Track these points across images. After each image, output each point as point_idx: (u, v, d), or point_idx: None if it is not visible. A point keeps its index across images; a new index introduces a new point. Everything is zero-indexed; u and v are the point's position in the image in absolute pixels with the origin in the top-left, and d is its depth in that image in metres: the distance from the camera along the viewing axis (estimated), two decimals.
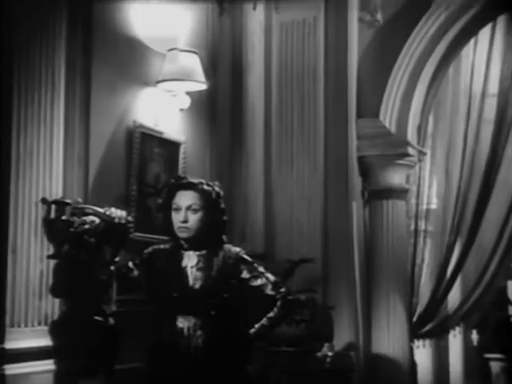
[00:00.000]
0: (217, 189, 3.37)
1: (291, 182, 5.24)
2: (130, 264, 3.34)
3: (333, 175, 5.26)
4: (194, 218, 3.26)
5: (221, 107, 5.03)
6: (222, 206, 3.37)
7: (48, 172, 3.53)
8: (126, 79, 4.29)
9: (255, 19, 5.25)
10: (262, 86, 5.26)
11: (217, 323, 3.24)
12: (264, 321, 3.35)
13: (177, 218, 3.28)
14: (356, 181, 5.52)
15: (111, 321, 3.10)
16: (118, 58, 4.24)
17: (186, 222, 3.25)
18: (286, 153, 5.28)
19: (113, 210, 3.14)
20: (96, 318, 3.05)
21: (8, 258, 3.30)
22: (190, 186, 3.31)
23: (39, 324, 3.44)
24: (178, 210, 3.28)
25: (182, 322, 3.22)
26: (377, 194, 5.70)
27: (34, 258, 3.42)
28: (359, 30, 5.50)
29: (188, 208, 3.26)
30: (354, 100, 5.43)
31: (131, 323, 3.53)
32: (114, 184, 4.18)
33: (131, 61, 4.35)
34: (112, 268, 3.12)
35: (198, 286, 3.25)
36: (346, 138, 5.36)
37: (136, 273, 3.32)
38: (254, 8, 4.74)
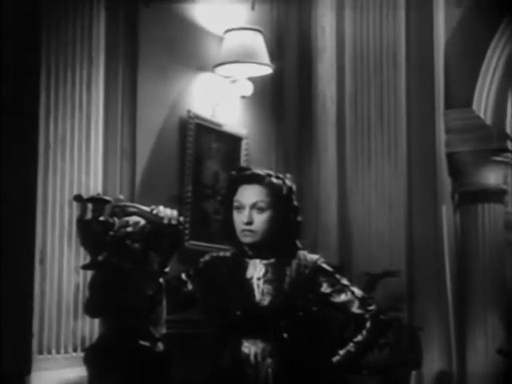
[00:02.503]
0: (288, 182, 3.00)
1: (369, 183, 4.98)
2: (183, 276, 3.03)
3: (418, 176, 5.01)
4: (260, 219, 2.92)
5: (287, 97, 4.72)
6: (295, 203, 3.00)
7: (84, 165, 3.12)
8: (178, 63, 3.95)
9: None
10: (333, 74, 5.00)
11: (291, 349, 2.91)
12: (350, 346, 2.95)
13: (239, 219, 2.94)
14: (445, 182, 5.34)
15: (160, 346, 2.77)
16: (168, 38, 3.90)
17: (250, 223, 2.92)
18: (363, 150, 5.00)
19: (161, 208, 2.77)
20: (142, 342, 2.73)
21: (35, 269, 2.95)
22: (256, 179, 2.95)
23: (74, 350, 3.08)
24: (240, 208, 2.94)
25: (248, 348, 2.90)
26: (469, 197, 5.51)
27: (66, 269, 3.06)
28: (446, 9, 5.26)
29: (253, 206, 2.92)
30: (441, 88, 5.20)
31: (185, 349, 3.30)
32: (165, 183, 3.83)
33: (184, 42, 4.01)
34: (161, 281, 2.78)
35: (266, 302, 2.91)
36: (433, 132, 5.13)
37: (190, 287, 3.01)
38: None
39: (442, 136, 5.27)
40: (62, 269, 3.07)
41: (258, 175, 2.95)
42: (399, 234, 4.91)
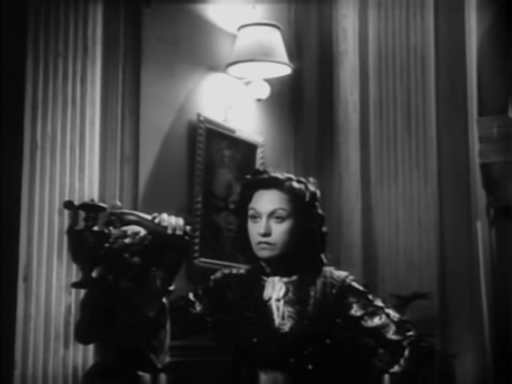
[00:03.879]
0: (312, 187, 2.75)
1: (395, 197, 4.71)
2: (191, 296, 2.81)
3: (449, 189, 4.75)
4: (279, 230, 2.67)
5: (307, 102, 4.54)
6: (320, 211, 2.75)
7: (78, 169, 2.87)
8: (186, 62, 3.75)
9: None
10: (356, 80, 4.77)
11: (316, 382, 2.67)
12: (386, 379, 2.68)
13: (255, 230, 2.70)
14: (479, 195, 5.09)
15: (163, 377, 2.60)
16: (175, 34, 3.71)
17: (267, 234, 2.68)
18: (389, 161, 4.75)
19: (164, 216, 2.55)
20: (141, 373, 2.55)
21: (18, 287, 2.73)
22: (274, 184, 2.70)
23: (64, 382, 2.85)
24: (256, 217, 2.70)
25: (266, 380, 2.67)
26: (506, 212, 5.33)
27: (56, 288, 2.83)
28: (478, 8, 5.06)
29: (271, 215, 2.67)
30: (474, 93, 4.99)
31: (192, 381, 3.21)
32: (172, 194, 3.61)
33: (193, 39, 3.81)
34: (164, 301, 2.59)
35: (287, 327, 2.67)
36: (466, 141, 4.87)
37: (199, 308, 2.80)
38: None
39: (475, 145, 5.08)
40: (50, 287, 2.85)
41: (277, 179, 2.70)
42: (430, 252, 4.66)
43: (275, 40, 3.87)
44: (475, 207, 4.92)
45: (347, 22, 4.76)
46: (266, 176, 2.72)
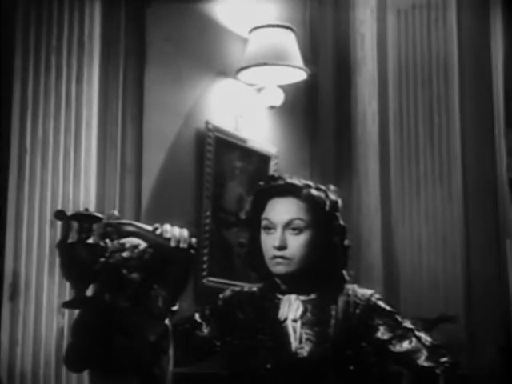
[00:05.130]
0: (332, 196, 2.52)
1: (418, 214, 4.61)
2: (197, 317, 2.57)
3: (475, 204, 4.62)
4: (296, 242, 2.45)
5: (323, 112, 4.45)
6: (341, 222, 2.52)
7: (72, 176, 2.74)
8: (194, 66, 3.64)
9: (365, 3, 4.69)
10: (375, 89, 4.67)
11: None
12: None
13: (269, 243, 2.47)
14: (508, 211, 4.97)
15: None
16: (182, 37, 3.59)
17: (283, 248, 2.45)
18: (411, 176, 4.65)
19: (167, 227, 2.36)
20: None
21: (3, 308, 2.60)
22: (291, 191, 2.48)
23: None
24: (270, 229, 2.47)
25: None
26: None
27: (46, 308, 2.68)
28: (504, 13, 4.94)
29: (287, 226, 2.45)
30: (501, 103, 4.86)
31: None
32: (179, 208, 3.47)
33: (201, 42, 3.70)
34: (167, 323, 2.37)
35: (305, 351, 2.43)
36: (493, 154, 4.77)
37: (206, 331, 2.57)
38: None
39: (503, 159, 4.92)
40: (39, 308, 2.69)
41: (294, 186, 2.48)
42: (455, 273, 4.54)
43: (289, 43, 3.78)
44: (504, 224, 4.83)
45: (365, 28, 4.68)
46: (281, 182, 2.50)
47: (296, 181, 2.48)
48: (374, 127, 4.66)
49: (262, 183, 2.54)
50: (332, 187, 2.54)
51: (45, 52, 2.63)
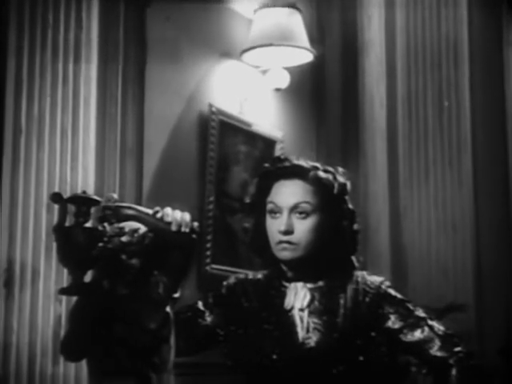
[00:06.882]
0: (341, 178, 2.45)
1: (427, 200, 4.53)
2: (200, 305, 2.54)
3: (486, 191, 4.62)
4: (303, 227, 2.40)
5: (330, 96, 4.40)
6: (350, 206, 2.46)
7: (70, 157, 2.65)
8: (196, 47, 3.61)
9: None
10: (383, 73, 4.59)
11: None
12: None
13: (275, 227, 2.41)
14: None
15: None
16: (185, 17, 3.54)
17: (289, 232, 2.39)
18: (419, 161, 4.57)
19: (168, 211, 2.31)
20: None
21: None
22: (297, 173, 2.42)
23: None
24: (276, 212, 2.41)
25: None
26: None
27: (43, 296, 2.60)
28: None
29: (293, 209, 2.40)
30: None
31: None
32: (182, 193, 3.42)
33: (204, 22, 3.66)
34: (168, 310, 2.32)
35: (313, 341, 2.38)
36: (504, 139, 4.81)
37: (209, 319, 2.53)
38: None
39: None
40: (36, 295, 2.61)
41: (301, 167, 2.41)
42: (465, 260, 4.48)
43: (295, 23, 3.74)
44: None
45: (373, 9, 4.60)
46: (287, 164, 2.43)
47: (303, 162, 2.42)
48: (381, 112, 4.60)
49: (267, 165, 2.48)
50: (340, 169, 2.47)
51: (40, 27, 2.57)
